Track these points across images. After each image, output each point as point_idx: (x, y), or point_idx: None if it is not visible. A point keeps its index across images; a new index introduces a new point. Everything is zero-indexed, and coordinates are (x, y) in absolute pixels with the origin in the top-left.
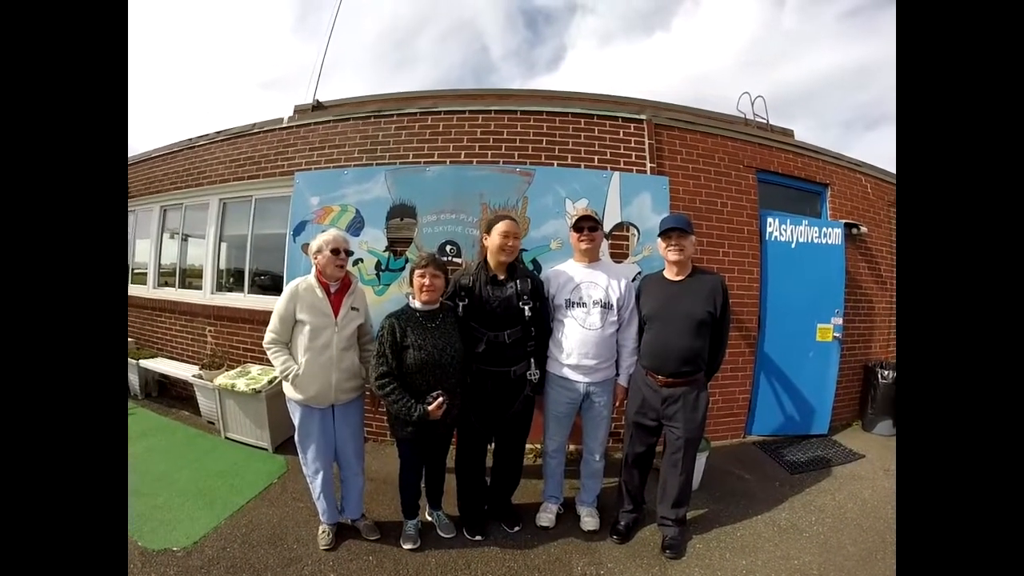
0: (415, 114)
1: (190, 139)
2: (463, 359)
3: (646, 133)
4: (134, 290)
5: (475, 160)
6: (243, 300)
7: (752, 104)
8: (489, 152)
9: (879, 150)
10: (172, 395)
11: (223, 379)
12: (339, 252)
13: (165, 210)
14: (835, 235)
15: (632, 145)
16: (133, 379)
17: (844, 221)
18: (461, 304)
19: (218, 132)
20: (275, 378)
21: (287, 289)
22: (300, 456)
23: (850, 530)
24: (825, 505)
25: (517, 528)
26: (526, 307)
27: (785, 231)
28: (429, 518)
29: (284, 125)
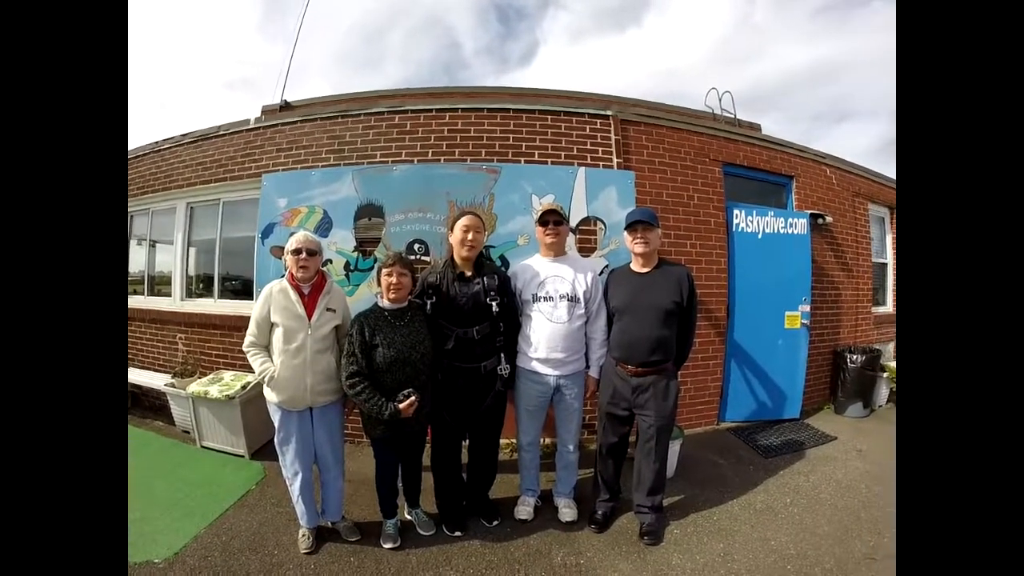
0: (382, 113)
1: (155, 142)
2: (432, 356)
3: (612, 129)
4: None
5: (443, 158)
6: (213, 306)
7: (720, 99)
8: (456, 150)
9: (846, 143)
10: (145, 405)
11: (196, 387)
12: (300, 252)
13: (132, 216)
14: (801, 225)
15: (598, 141)
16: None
17: (809, 212)
18: (429, 302)
19: (184, 135)
20: (248, 383)
21: (262, 292)
22: (280, 459)
23: (824, 510)
24: (799, 487)
25: (496, 522)
26: (493, 303)
27: (751, 222)
28: (408, 516)
29: (251, 126)
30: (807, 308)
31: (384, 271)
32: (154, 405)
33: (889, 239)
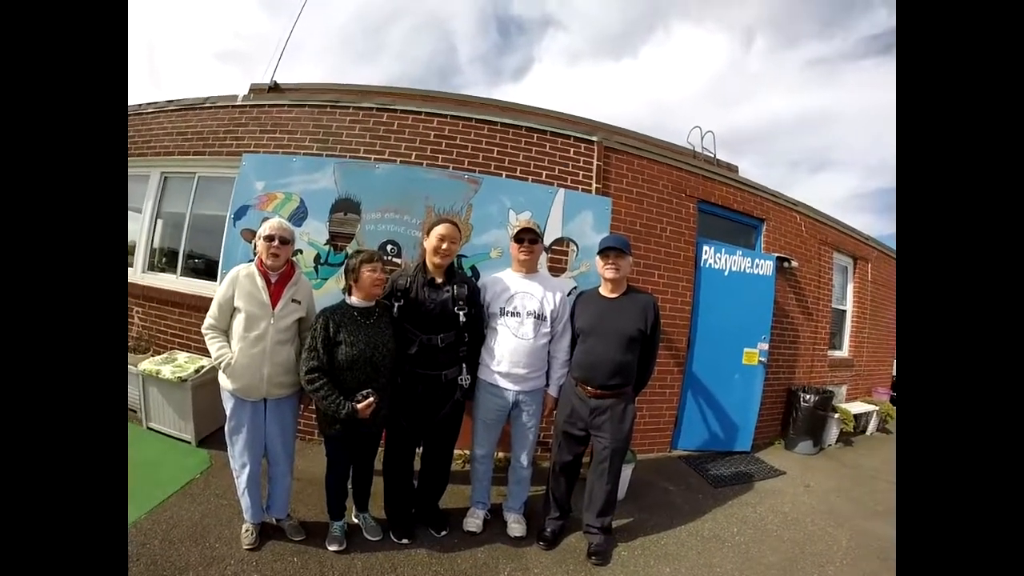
0: (371, 109)
1: (137, 105)
2: (395, 359)
3: (595, 154)
4: None
5: (425, 162)
6: (175, 282)
7: (702, 138)
8: (440, 156)
9: (820, 192)
10: None
11: (148, 364)
12: (272, 239)
13: None
14: (767, 267)
15: (580, 164)
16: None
17: (777, 255)
18: (397, 305)
19: (168, 101)
20: (202, 367)
21: (228, 275)
22: (228, 448)
23: (771, 541)
24: (747, 517)
25: (444, 532)
26: (461, 312)
27: (720, 259)
28: (355, 520)
29: (238, 103)
30: (766, 346)
31: (368, 266)
32: None
33: (850, 288)
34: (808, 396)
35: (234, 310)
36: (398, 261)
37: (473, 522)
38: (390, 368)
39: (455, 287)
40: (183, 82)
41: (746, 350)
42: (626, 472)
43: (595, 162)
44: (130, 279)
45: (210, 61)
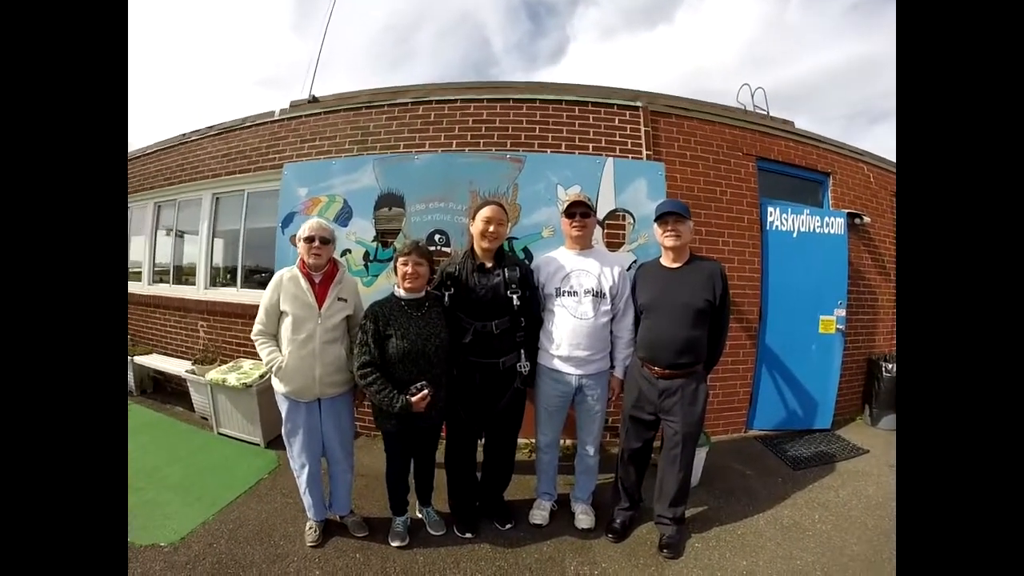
0: (406, 104)
1: (183, 134)
2: (448, 349)
3: (642, 120)
4: (129, 287)
5: (467, 149)
6: (235, 295)
7: (752, 95)
8: (481, 141)
9: (883, 144)
10: (167, 391)
11: (215, 374)
12: (312, 240)
13: (159, 206)
14: (837, 225)
15: (627, 132)
16: (128, 376)
17: (847, 211)
18: (447, 294)
19: (210, 127)
20: (266, 372)
21: (273, 279)
22: (287, 450)
23: (854, 528)
24: (829, 502)
25: (509, 526)
26: (514, 296)
27: (786, 220)
28: (419, 515)
29: (276, 118)
30: (842, 312)
31: (400, 259)
32: (176, 391)
33: None
34: (890, 365)
35: (281, 314)
36: (447, 250)
37: (539, 514)
38: (444, 359)
39: (506, 270)
40: (229, 109)
41: (822, 318)
42: (699, 457)
43: (643, 127)
44: (193, 295)
45: (252, 87)
